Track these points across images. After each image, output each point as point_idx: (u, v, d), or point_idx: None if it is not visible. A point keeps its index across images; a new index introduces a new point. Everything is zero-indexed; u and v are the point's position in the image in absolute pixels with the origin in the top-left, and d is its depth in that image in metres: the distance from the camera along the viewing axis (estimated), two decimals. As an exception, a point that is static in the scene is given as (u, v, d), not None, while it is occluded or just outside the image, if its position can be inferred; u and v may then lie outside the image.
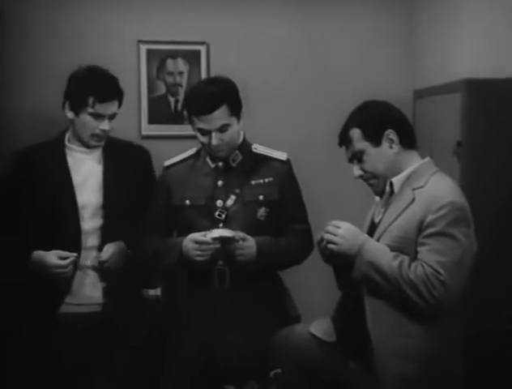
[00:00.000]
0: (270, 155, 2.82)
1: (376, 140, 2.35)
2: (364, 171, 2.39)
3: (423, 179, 2.32)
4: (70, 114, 2.74)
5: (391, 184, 2.39)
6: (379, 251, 2.27)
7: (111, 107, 2.73)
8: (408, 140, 2.39)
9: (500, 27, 3.02)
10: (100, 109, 2.69)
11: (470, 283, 2.28)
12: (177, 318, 2.80)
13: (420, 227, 2.23)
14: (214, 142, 2.65)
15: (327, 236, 2.34)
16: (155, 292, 3.14)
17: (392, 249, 2.27)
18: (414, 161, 2.38)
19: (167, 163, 2.88)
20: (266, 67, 3.51)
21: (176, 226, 2.84)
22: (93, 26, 3.38)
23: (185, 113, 3.28)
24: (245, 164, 2.79)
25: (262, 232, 2.72)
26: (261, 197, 2.75)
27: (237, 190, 2.74)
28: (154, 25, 3.43)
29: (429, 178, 2.32)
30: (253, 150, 2.83)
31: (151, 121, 3.49)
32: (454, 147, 2.98)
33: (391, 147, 2.36)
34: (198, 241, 2.60)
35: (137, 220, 2.81)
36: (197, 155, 2.85)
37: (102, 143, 2.78)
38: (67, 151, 2.79)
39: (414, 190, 2.31)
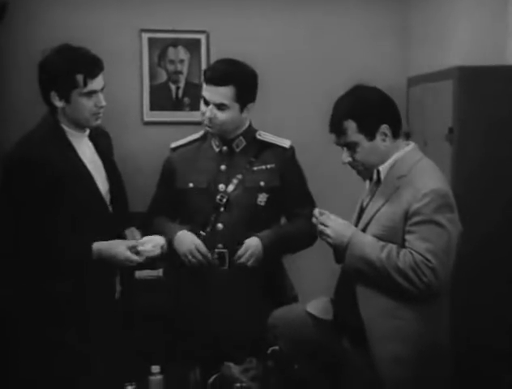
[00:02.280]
0: (273, 142, 2.85)
1: (371, 134, 2.36)
2: (354, 159, 2.39)
3: (406, 167, 2.35)
4: (59, 103, 2.50)
5: (378, 172, 2.42)
6: (367, 244, 2.32)
7: (100, 80, 2.54)
8: (397, 131, 2.41)
9: (491, 16, 3.07)
10: (92, 85, 2.50)
11: (460, 269, 2.34)
12: (177, 299, 2.88)
13: (406, 216, 2.27)
14: (207, 113, 2.70)
15: (320, 227, 2.40)
16: (157, 273, 3.23)
17: (380, 238, 2.32)
18: (399, 149, 2.40)
19: (173, 145, 2.92)
20: (265, 56, 3.52)
21: (180, 208, 2.89)
22: (96, 15, 3.42)
23: (186, 99, 3.39)
24: (249, 150, 2.82)
25: (261, 218, 2.77)
26: (262, 183, 2.78)
27: (239, 176, 2.78)
28: (155, 14, 3.48)
29: (413, 166, 2.35)
30: (257, 137, 2.85)
31: (153, 107, 3.55)
32: (446, 133, 3.04)
33: (384, 141, 2.37)
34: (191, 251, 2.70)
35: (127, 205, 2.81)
36: (203, 138, 2.89)
37: (100, 121, 2.59)
38: (69, 136, 2.56)
39: (398, 178, 2.34)
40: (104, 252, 2.52)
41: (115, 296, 2.69)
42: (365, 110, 2.37)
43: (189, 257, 2.71)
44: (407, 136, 3.32)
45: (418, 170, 2.34)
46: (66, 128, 2.57)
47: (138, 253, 2.56)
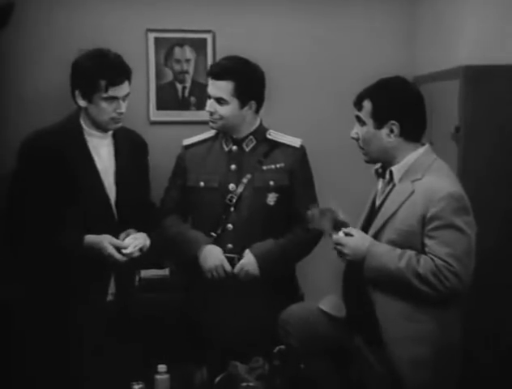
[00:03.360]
0: (283, 141, 2.88)
1: (379, 123, 2.41)
2: (359, 138, 2.47)
3: (421, 171, 2.37)
4: (82, 103, 2.64)
5: (391, 172, 2.45)
6: (384, 255, 2.33)
7: (124, 88, 2.65)
8: (412, 134, 2.43)
9: (499, 14, 3.04)
10: (114, 92, 2.61)
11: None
12: (184, 298, 2.90)
13: (424, 220, 2.29)
14: (207, 107, 2.78)
15: (337, 247, 2.42)
16: (163, 272, 3.24)
17: (395, 242, 2.34)
18: (411, 152, 2.42)
19: (186, 142, 2.95)
20: (272, 56, 3.51)
21: (189, 206, 2.91)
22: (103, 15, 3.41)
23: (192, 99, 3.37)
24: (259, 149, 2.84)
25: (271, 218, 2.80)
26: (271, 182, 2.81)
27: (248, 175, 2.81)
28: (162, 14, 3.47)
29: (427, 169, 2.37)
30: (268, 136, 2.88)
31: (159, 107, 3.53)
32: (452, 133, 3.04)
33: (388, 137, 2.41)
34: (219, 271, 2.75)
35: (142, 205, 2.83)
36: (215, 137, 2.91)
37: (120, 125, 2.70)
38: (86, 136, 2.67)
39: (413, 182, 2.37)
40: (93, 245, 2.59)
41: (107, 297, 2.72)
42: (382, 100, 2.42)
43: (214, 273, 2.73)
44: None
45: (432, 173, 2.36)
46: (86, 127, 2.67)
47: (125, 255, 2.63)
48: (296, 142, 2.88)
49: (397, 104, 2.41)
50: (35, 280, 2.62)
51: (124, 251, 2.62)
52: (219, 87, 2.73)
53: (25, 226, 2.58)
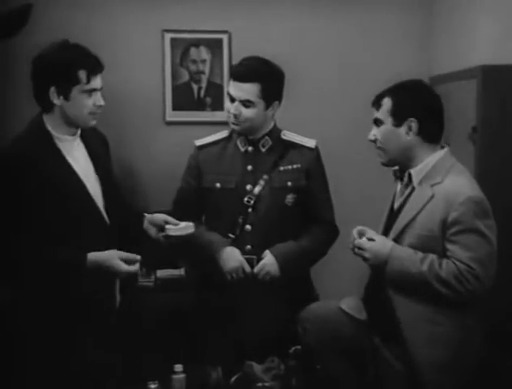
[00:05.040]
0: (298, 142, 2.87)
1: (398, 121, 2.41)
2: (376, 139, 2.46)
3: (440, 174, 2.37)
4: (58, 101, 2.39)
5: (410, 175, 2.44)
6: (406, 259, 2.33)
7: (100, 79, 2.46)
8: (430, 134, 2.42)
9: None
10: (95, 82, 2.41)
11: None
12: (200, 298, 2.89)
13: (444, 225, 2.29)
14: (232, 110, 2.72)
15: (359, 252, 2.42)
16: (179, 272, 3.25)
17: (416, 247, 2.34)
18: (430, 154, 2.42)
19: (198, 143, 2.92)
20: (287, 56, 3.49)
21: (205, 208, 2.90)
22: (119, 16, 3.44)
23: (208, 99, 3.38)
24: (274, 150, 2.83)
25: (289, 218, 2.79)
26: (289, 183, 2.80)
27: (265, 176, 2.80)
28: (178, 15, 3.49)
29: (447, 173, 2.37)
30: (282, 136, 2.87)
31: (175, 107, 3.56)
32: (469, 133, 3.02)
33: (407, 135, 2.41)
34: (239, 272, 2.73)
35: (124, 205, 2.73)
36: (229, 138, 2.90)
37: (95, 122, 2.50)
38: (57, 142, 2.45)
39: (432, 186, 2.36)
40: (98, 263, 2.39)
41: (116, 303, 2.67)
42: (402, 97, 2.42)
43: (234, 275, 2.73)
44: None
45: (452, 177, 2.36)
46: (54, 133, 2.46)
47: (167, 237, 2.54)
48: (311, 142, 2.88)
49: (416, 102, 2.42)
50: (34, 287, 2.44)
51: (172, 230, 2.52)
52: (245, 90, 2.70)
53: (20, 249, 2.38)
